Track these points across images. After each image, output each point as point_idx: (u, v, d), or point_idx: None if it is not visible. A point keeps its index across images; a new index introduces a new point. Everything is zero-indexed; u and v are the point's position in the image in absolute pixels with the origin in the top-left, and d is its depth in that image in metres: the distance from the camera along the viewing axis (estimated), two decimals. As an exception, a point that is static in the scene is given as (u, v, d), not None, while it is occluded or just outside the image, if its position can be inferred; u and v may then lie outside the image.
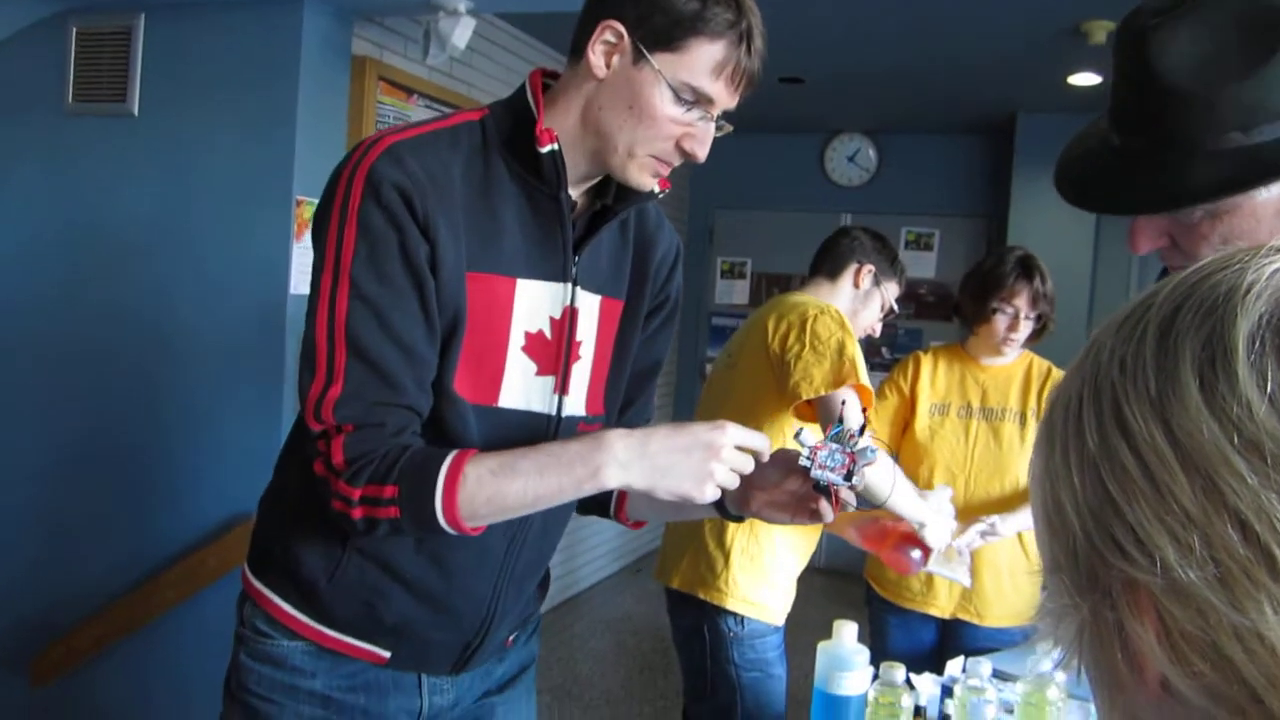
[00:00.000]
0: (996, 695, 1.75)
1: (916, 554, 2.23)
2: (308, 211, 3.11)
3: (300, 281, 3.10)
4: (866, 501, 2.29)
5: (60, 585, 3.37)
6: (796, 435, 1.30)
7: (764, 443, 1.22)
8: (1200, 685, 0.44)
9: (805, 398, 2.11)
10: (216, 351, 3.19)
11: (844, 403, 1.99)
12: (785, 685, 2.32)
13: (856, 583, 2.95)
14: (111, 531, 3.33)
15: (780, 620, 2.28)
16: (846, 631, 1.90)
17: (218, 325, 3.17)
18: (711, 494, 1.18)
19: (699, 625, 2.28)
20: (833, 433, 1.22)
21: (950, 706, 1.91)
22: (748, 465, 1.19)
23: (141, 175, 3.27)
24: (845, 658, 1.88)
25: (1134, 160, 0.98)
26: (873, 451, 1.24)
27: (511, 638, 1.45)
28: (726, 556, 2.21)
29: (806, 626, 2.48)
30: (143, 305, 3.27)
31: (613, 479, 1.17)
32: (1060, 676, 1.89)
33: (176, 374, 3.25)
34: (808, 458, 1.22)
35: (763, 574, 2.23)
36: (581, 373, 1.33)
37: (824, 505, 1.25)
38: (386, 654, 1.32)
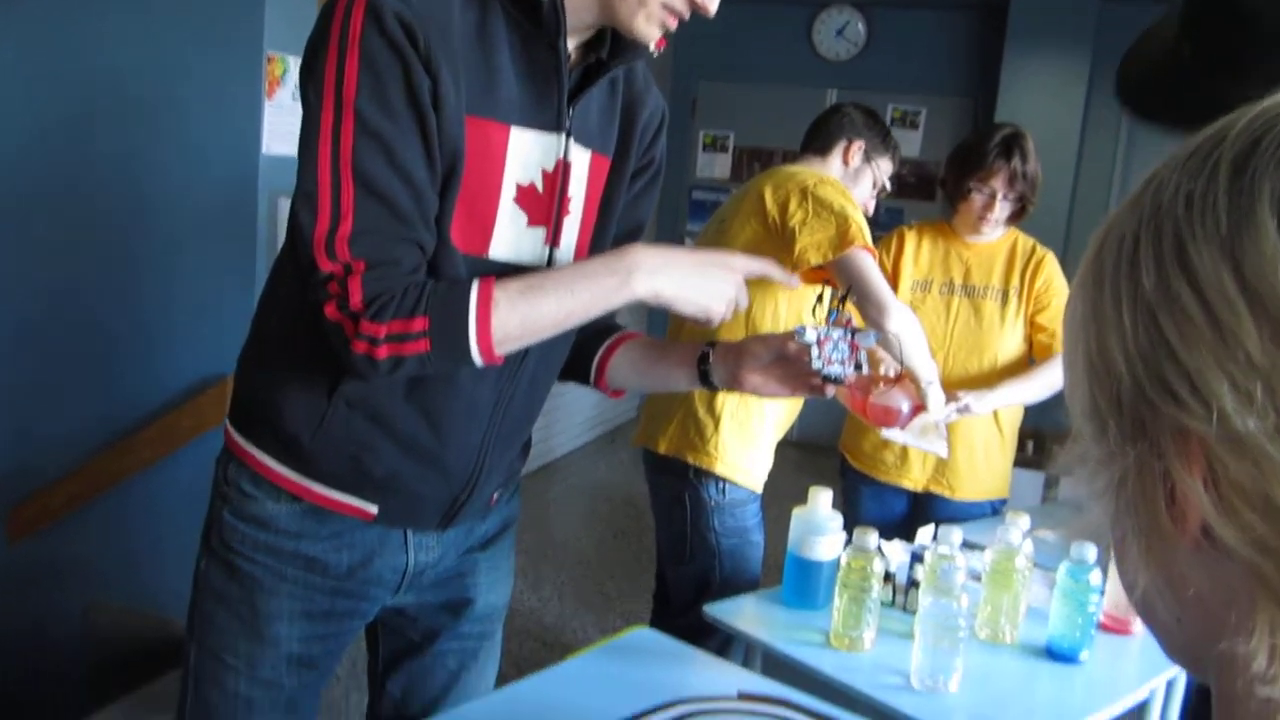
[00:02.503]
0: (965, 563, 1.79)
1: (906, 406, 2.24)
2: (279, 68, 3.01)
3: (272, 141, 3.02)
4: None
5: (35, 442, 3.37)
6: (798, 332, 1.28)
7: (770, 267, 1.28)
8: (1248, 538, 0.43)
9: (814, 264, 2.10)
10: (187, 212, 3.12)
11: (847, 292, 1.97)
12: (763, 552, 2.36)
13: (830, 456, 2.99)
14: (84, 392, 3.31)
15: (759, 488, 2.31)
16: (822, 498, 1.93)
17: (188, 185, 3.10)
18: (726, 312, 1.24)
19: (680, 493, 2.30)
20: (831, 318, 1.21)
21: (919, 572, 1.95)
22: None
23: (105, 32, 3.14)
24: (820, 523, 1.92)
25: (1204, 76, 0.93)
26: (875, 335, 1.24)
27: (496, 495, 1.46)
28: (717, 422, 2.23)
29: (780, 497, 2.52)
30: (110, 165, 3.18)
31: (642, 286, 1.18)
32: (1028, 547, 1.94)
33: (147, 234, 3.19)
34: (817, 357, 1.23)
35: (750, 439, 2.25)
36: (571, 227, 1.31)
37: (829, 387, 1.27)
38: (374, 509, 1.32)
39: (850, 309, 1.28)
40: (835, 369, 1.23)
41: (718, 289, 1.23)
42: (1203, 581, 0.47)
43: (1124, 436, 0.47)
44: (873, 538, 1.79)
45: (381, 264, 1.12)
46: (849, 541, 1.87)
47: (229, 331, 1.40)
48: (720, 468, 2.22)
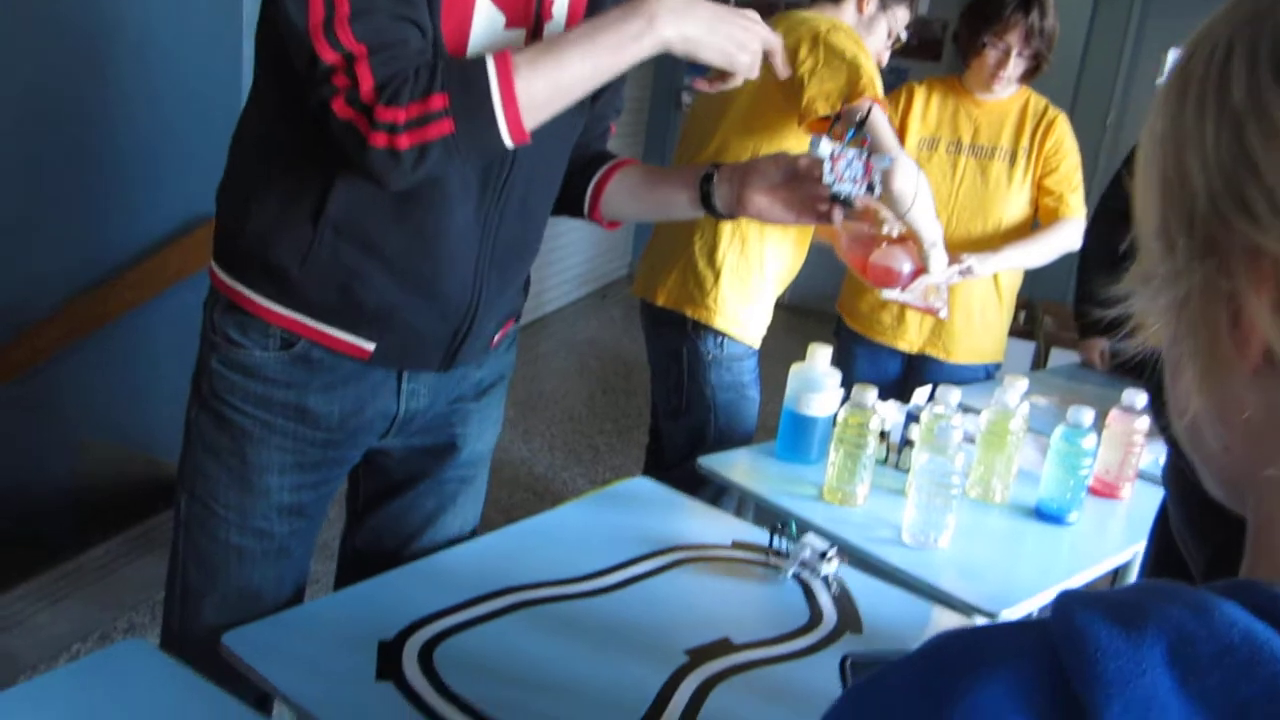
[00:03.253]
0: (961, 423, 1.79)
1: (908, 267, 2.22)
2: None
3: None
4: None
5: (19, 284, 3.32)
6: (812, 143, 1.24)
7: (776, 42, 1.22)
8: None
9: (822, 114, 2.03)
10: (170, 46, 3.01)
11: (869, 110, 1.91)
12: (758, 408, 2.37)
13: (822, 320, 2.98)
14: (68, 232, 3.25)
15: (757, 343, 2.30)
16: (820, 354, 1.92)
17: (171, 20, 2.98)
18: (752, 65, 1.19)
19: (678, 347, 2.29)
20: (849, 137, 1.16)
21: (914, 431, 1.95)
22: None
23: None
24: (817, 379, 1.91)
25: None
26: (889, 159, 1.20)
27: (497, 337, 1.43)
28: (717, 275, 2.19)
29: (771, 359, 2.51)
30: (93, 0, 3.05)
31: (669, 28, 1.12)
32: (1023, 409, 1.94)
33: (131, 71, 3.08)
34: (829, 172, 1.18)
35: (749, 294, 2.22)
36: (554, 32, 1.23)
37: (837, 212, 1.22)
38: (370, 346, 1.28)
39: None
40: (846, 187, 1.18)
41: (742, 36, 1.17)
42: (1258, 407, 0.46)
43: (1192, 255, 0.46)
44: (871, 394, 1.78)
45: (388, 45, 1.06)
46: (845, 399, 1.87)
47: (215, 171, 1.34)
48: (719, 321, 2.20)
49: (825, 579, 1.53)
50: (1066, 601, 0.49)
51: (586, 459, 3.84)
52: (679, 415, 2.33)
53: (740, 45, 1.17)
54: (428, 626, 1.30)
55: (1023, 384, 1.93)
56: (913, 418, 1.98)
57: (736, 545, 1.62)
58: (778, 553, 1.56)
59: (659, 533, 1.62)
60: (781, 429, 1.97)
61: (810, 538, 1.54)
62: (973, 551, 1.72)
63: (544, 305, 5.44)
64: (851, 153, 1.18)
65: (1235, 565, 0.50)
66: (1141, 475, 2.05)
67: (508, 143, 1.10)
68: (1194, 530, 1.32)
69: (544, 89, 1.09)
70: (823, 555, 1.52)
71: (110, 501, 3.24)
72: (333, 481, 1.40)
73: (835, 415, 1.95)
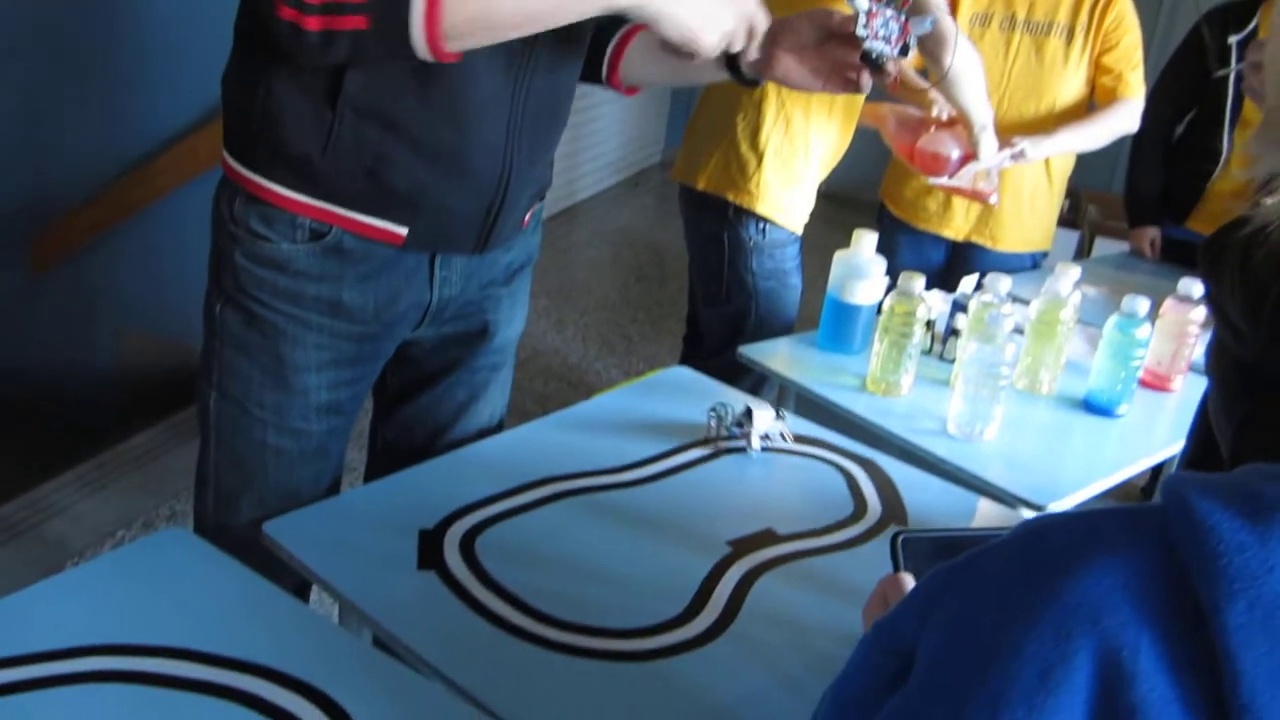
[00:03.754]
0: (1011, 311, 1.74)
1: (956, 152, 2.14)
2: None
3: None
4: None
5: (51, 171, 3.28)
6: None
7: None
8: None
9: None
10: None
11: None
12: (800, 295, 2.32)
13: (864, 209, 2.90)
14: (96, 116, 3.20)
15: (800, 229, 2.23)
16: (865, 241, 1.86)
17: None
18: (718, 45, 1.12)
19: (719, 232, 2.23)
20: None
21: (960, 321, 1.90)
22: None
23: None
24: (861, 266, 1.85)
25: None
26: (930, 21, 1.13)
27: (529, 215, 1.38)
28: (760, 158, 2.12)
29: (811, 248, 2.44)
30: None
31: None
32: (1075, 298, 1.88)
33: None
34: (864, 25, 1.11)
35: (793, 178, 2.15)
36: None
37: (866, 77, 1.15)
38: (403, 230, 1.24)
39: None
40: (880, 45, 1.11)
41: (717, 14, 1.09)
42: None
43: None
44: (919, 282, 1.73)
45: None
46: (890, 288, 1.81)
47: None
48: (761, 206, 2.14)
49: (781, 435, 1.55)
50: (1180, 487, 0.45)
51: (620, 349, 3.81)
52: (718, 303, 2.29)
53: (710, 24, 1.10)
54: (468, 516, 1.29)
55: (1075, 272, 1.87)
56: (959, 307, 1.92)
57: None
58: (730, 436, 1.55)
59: (699, 423, 1.59)
60: (824, 318, 1.93)
61: (756, 408, 1.54)
62: (1019, 444, 1.68)
63: (576, 194, 5.36)
64: (890, 11, 1.11)
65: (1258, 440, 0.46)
66: (1194, 368, 1.99)
67: (424, 56, 1.05)
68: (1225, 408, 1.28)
69: (469, 19, 1.04)
70: (778, 417, 1.57)
71: (149, 390, 3.26)
72: (368, 377, 1.38)
73: (879, 304, 1.91)
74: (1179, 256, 2.76)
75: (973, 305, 1.81)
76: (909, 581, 0.87)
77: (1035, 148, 2.26)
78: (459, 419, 1.51)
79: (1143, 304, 1.76)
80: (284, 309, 1.25)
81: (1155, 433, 1.85)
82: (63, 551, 2.26)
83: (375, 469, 1.56)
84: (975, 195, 2.27)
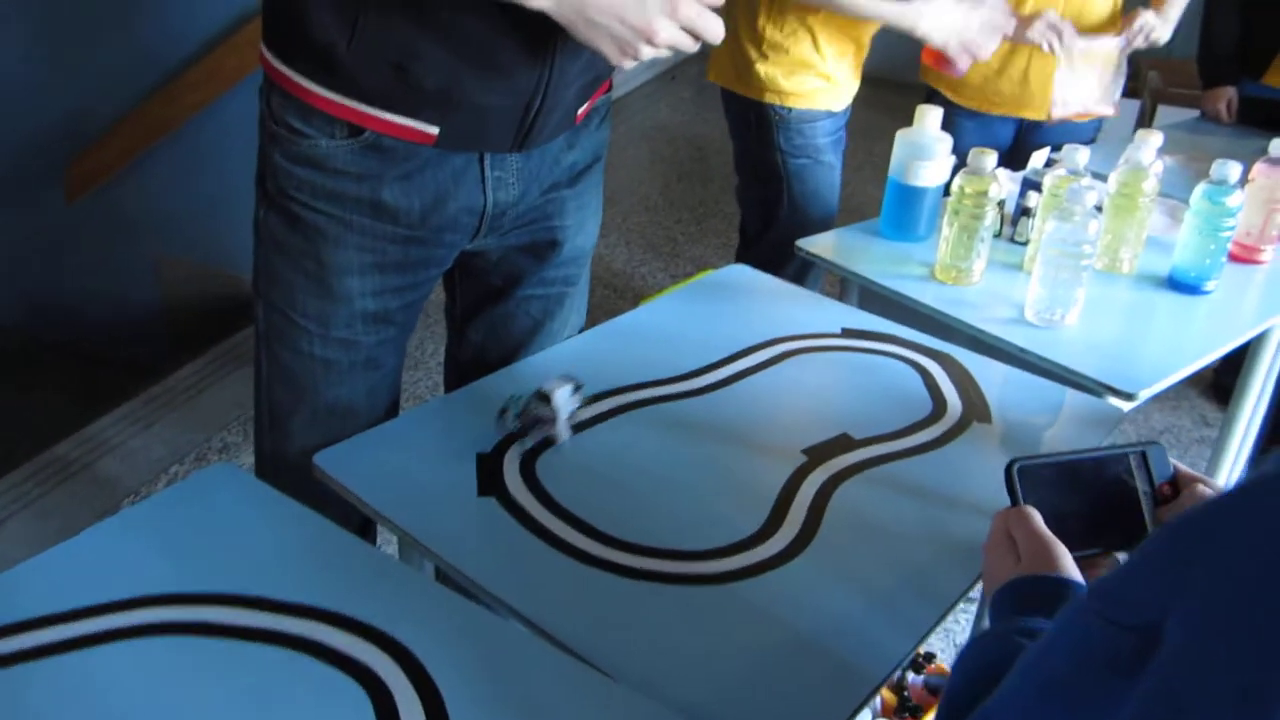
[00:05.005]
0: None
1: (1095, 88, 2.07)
2: None
3: None
4: None
5: (78, 95, 3.21)
6: None
7: None
8: None
9: None
10: None
11: None
12: (839, 175, 2.21)
13: (907, 92, 2.74)
14: (122, 34, 3.11)
15: (836, 105, 2.12)
16: (930, 118, 1.73)
17: None
18: (628, 64, 1.07)
19: (746, 112, 2.16)
20: None
21: (1031, 199, 1.79)
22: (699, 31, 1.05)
23: None
24: (926, 145, 1.73)
25: None
26: None
27: (583, 110, 1.28)
28: (759, 48, 2.06)
29: (852, 135, 2.30)
30: None
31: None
32: (1157, 168, 1.75)
33: None
34: None
35: (799, 64, 2.06)
36: None
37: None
38: (434, 129, 1.15)
39: None
40: None
41: (637, 17, 1.01)
42: None
43: None
44: (990, 159, 1.61)
45: None
46: (956, 169, 1.70)
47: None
48: (769, 96, 2.11)
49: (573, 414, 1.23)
50: None
51: (665, 251, 3.71)
52: (751, 184, 2.22)
53: (626, 39, 1.03)
54: (527, 436, 1.21)
55: (1157, 139, 1.74)
56: (1030, 184, 1.80)
57: (847, 333, 1.50)
58: (532, 428, 1.21)
59: (762, 324, 1.51)
60: (886, 203, 1.81)
61: (551, 388, 1.21)
62: (1102, 328, 1.58)
63: (610, 91, 5.18)
64: None
65: None
66: (1285, 236, 1.87)
67: None
68: None
69: None
70: (576, 389, 1.23)
71: (194, 320, 3.23)
72: (420, 287, 1.30)
73: (945, 186, 1.79)
74: (1258, 117, 2.59)
75: (1048, 181, 1.69)
76: (1035, 517, 0.79)
77: (1164, 25, 2.19)
78: (534, 338, 1.44)
79: (1234, 169, 1.63)
80: (324, 209, 1.19)
81: (1245, 309, 1.73)
82: (117, 490, 2.24)
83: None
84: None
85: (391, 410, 1.36)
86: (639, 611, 0.99)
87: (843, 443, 1.25)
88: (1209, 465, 2.12)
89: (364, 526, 1.31)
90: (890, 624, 0.99)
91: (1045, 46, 2.15)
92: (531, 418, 1.20)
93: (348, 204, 1.19)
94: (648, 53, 1.05)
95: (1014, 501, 0.81)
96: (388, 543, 1.93)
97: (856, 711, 0.90)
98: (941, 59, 1.97)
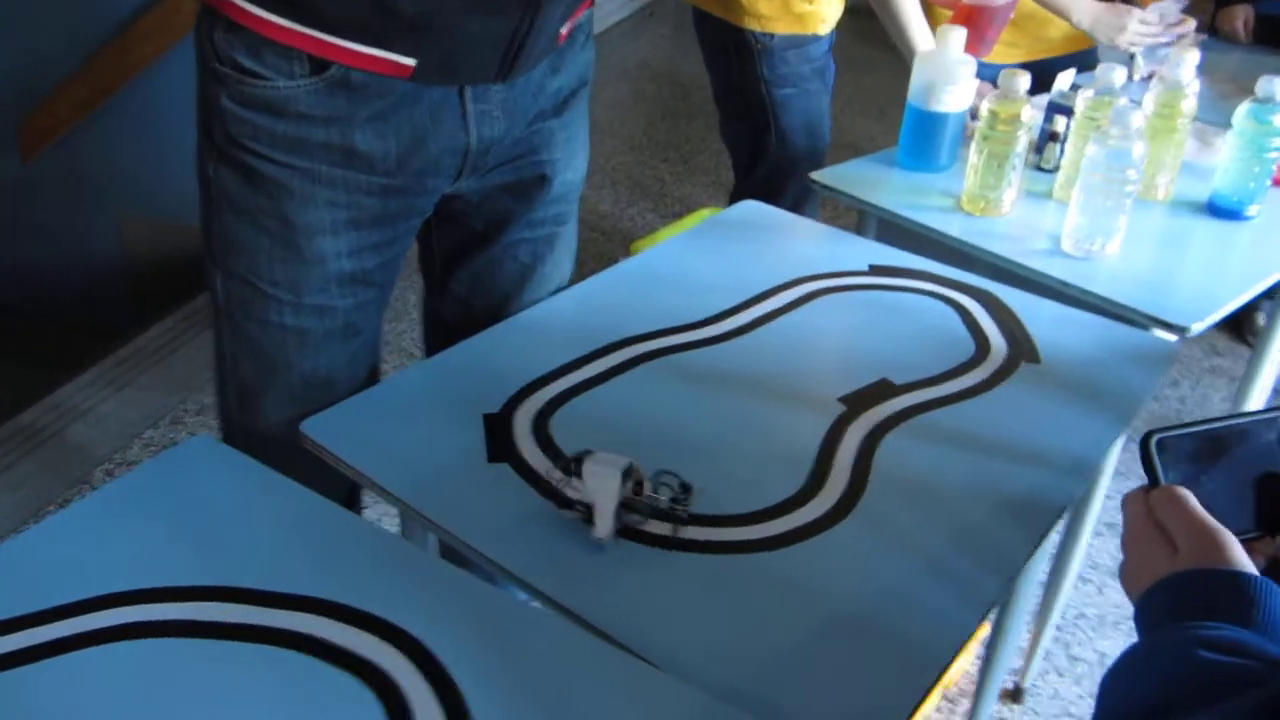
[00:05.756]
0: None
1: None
2: None
3: None
4: None
5: (28, 48, 3.03)
6: None
7: None
8: None
9: None
10: None
11: None
12: (828, 103, 2.09)
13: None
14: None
15: (820, 28, 1.99)
16: (953, 38, 1.60)
17: None
18: None
19: (724, 39, 2.03)
20: None
21: (1059, 124, 1.67)
22: None
23: None
24: (950, 68, 1.60)
25: None
26: None
27: (566, 29, 1.15)
28: None
29: (839, 67, 2.17)
30: None
31: None
32: (1195, 86, 1.63)
33: None
34: None
35: None
36: None
37: None
38: (411, 61, 1.01)
39: None
40: None
41: None
42: None
43: None
44: (1023, 80, 1.48)
45: None
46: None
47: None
48: (749, 21, 1.97)
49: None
50: None
51: (653, 192, 3.57)
52: (735, 118, 2.10)
53: None
54: (537, 393, 1.10)
55: (1194, 56, 1.61)
56: (1056, 109, 1.68)
57: (875, 270, 1.39)
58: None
59: (782, 263, 1.39)
60: (905, 131, 1.69)
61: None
62: (1142, 258, 1.47)
63: (592, 8, 4.99)
64: None
65: None
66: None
67: None
68: None
69: None
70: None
71: (160, 278, 3.08)
72: (400, 240, 1.17)
73: (969, 112, 1.67)
74: (1277, 35, 2.47)
75: (1082, 101, 1.57)
76: (1191, 499, 0.65)
77: None
78: (523, 286, 1.30)
79: (1280, 85, 1.52)
80: (286, 161, 1.04)
81: (1289, 233, 1.63)
82: (89, 457, 2.11)
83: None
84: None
85: (372, 378, 1.23)
86: (674, 585, 0.88)
87: (883, 389, 1.14)
88: (1235, 399, 2.03)
89: (349, 498, 1.19)
90: (952, 594, 0.89)
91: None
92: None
93: (314, 153, 1.04)
94: None
95: (1153, 481, 0.67)
96: (384, 519, 1.82)
97: (926, 695, 0.80)
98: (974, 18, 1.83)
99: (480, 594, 0.86)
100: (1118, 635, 1.85)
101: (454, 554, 0.95)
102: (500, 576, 0.90)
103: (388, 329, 2.64)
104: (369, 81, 1.02)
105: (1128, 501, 0.68)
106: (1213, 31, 2.67)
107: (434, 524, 0.94)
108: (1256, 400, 1.97)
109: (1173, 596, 0.59)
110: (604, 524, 0.89)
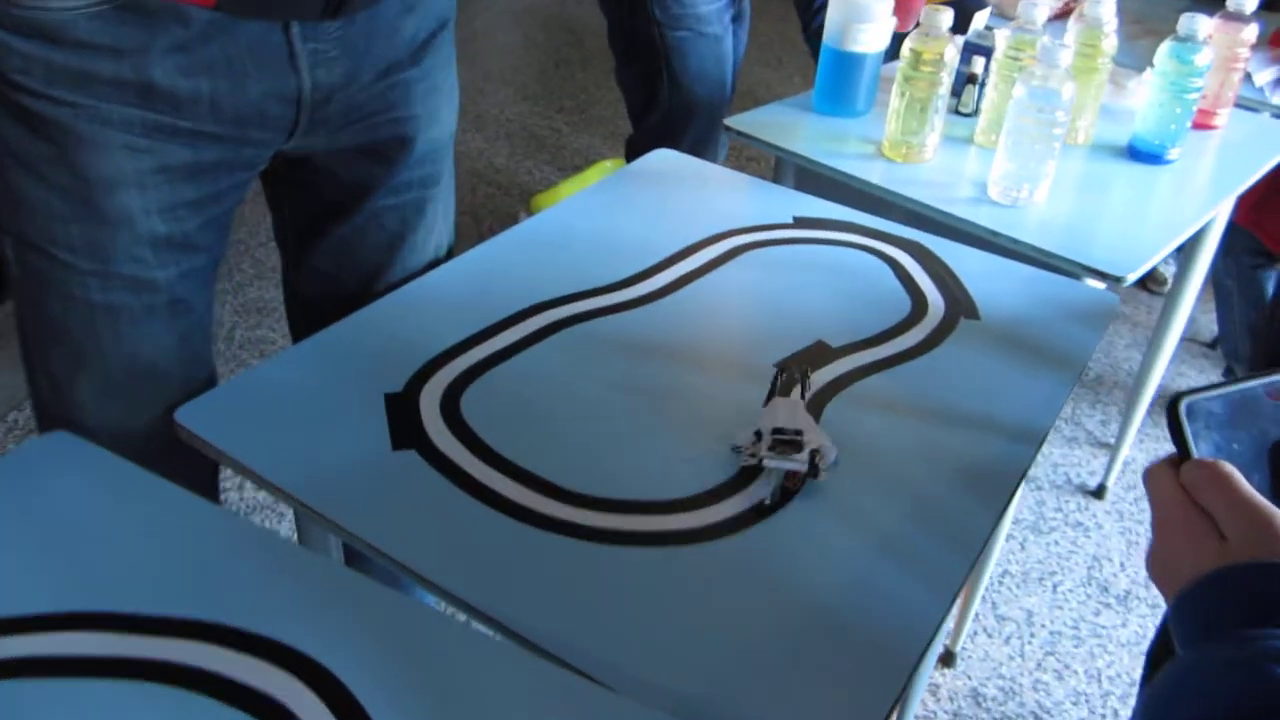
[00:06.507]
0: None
1: None
2: None
3: None
4: None
5: None
6: None
7: None
8: None
9: None
10: None
11: None
12: (727, 48, 2.00)
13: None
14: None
15: None
16: (869, -25, 1.52)
17: None
18: None
19: None
20: None
21: (976, 65, 1.60)
22: None
23: None
24: (865, 6, 1.52)
25: None
26: None
27: None
28: None
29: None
30: None
31: None
32: (1115, 24, 1.57)
33: None
34: None
35: None
36: None
37: None
38: None
39: None
40: None
41: None
42: None
43: None
44: (946, 16, 1.41)
45: None
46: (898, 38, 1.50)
47: None
48: None
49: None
50: None
51: (550, 143, 3.44)
52: (629, 63, 2.00)
53: None
54: (442, 370, 0.99)
55: (1115, -8, 1.56)
56: (973, 49, 1.62)
57: (800, 222, 1.30)
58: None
59: (701, 216, 1.29)
60: (820, 73, 1.60)
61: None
62: (1068, 205, 1.42)
63: (472, -27, 4.79)
64: None
65: None
66: (1241, 102, 1.74)
67: None
68: None
69: None
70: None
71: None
72: (225, 198, 1.01)
73: (885, 52, 1.59)
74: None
75: (1002, 41, 1.51)
76: (1236, 476, 0.54)
77: None
78: (394, 257, 1.17)
79: (1203, 24, 1.47)
80: (69, 99, 0.87)
81: (1208, 177, 1.60)
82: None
83: (300, 337, 1.22)
84: None
85: (206, 360, 1.07)
86: (609, 583, 0.79)
87: (819, 352, 1.06)
88: (1147, 351, 2.02)
89: (206, 486, 1.06)
90: (916, 578, 0.82)
91: None
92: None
93: (103, 89, 0.87)
94: None
95: (1184, 453, 0.57)
96: (259, 513, 1.69)
97: (901, 694, 0.73)
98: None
99: (392, 606, 0.75)
100: (1043, 591, 1.83)
101: (358, 555, 0.84)
102: (412, 581, 0.80)
103: (265, 297, 2.46)
104: (164, 8, 0.86)
105: (1154, 477, 0.57)
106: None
107: (334, 524, 0.83)
108: (1166, 351, 1.97)
109: (1226, 596, 0.50)
110: (831, 449, 0.90)
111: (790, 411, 0.93)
